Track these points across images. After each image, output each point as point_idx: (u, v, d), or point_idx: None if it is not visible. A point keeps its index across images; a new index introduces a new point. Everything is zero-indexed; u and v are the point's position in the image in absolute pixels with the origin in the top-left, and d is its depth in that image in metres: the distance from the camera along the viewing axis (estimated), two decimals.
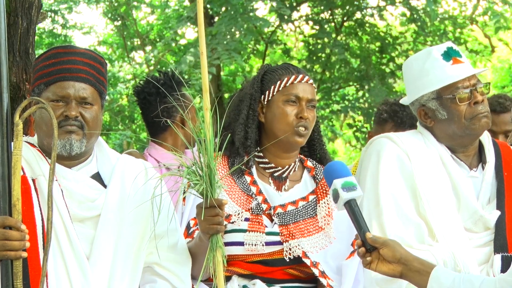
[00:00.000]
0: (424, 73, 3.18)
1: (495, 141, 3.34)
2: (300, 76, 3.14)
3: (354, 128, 12.88)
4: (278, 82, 3.13)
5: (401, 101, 3.47)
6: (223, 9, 9.62)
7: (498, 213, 3.13)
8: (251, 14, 9.70)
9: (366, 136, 4.75)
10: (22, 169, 2.61)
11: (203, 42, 2.76)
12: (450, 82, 3.13)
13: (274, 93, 3.13)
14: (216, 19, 10.01)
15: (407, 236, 3.03)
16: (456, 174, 3.16)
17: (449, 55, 3.17)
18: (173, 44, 12.47)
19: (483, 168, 3.24)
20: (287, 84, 3.12)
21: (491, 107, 4.36)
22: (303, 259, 3.01)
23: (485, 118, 3.14)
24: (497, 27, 10.92)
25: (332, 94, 12.94)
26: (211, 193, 2.69)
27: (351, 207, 2.72)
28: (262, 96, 3.16)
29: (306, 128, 3.11)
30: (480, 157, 3.27)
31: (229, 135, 3.04)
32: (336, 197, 2.74)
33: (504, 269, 2.98)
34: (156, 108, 3.99)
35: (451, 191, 3.14)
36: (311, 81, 3.18)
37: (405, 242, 2.92)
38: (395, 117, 4.48)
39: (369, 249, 2.72)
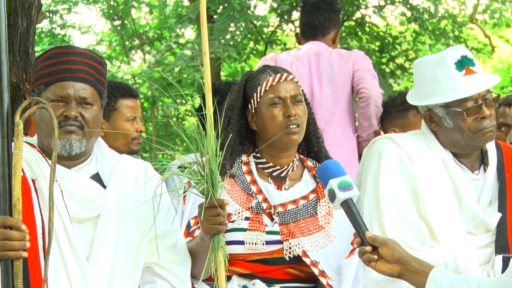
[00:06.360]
0: (435, 80, 3.14)
1: (498, 143, 3.33)
2: (278, 75, 3.12)
3: None
4: (259, 88, 3.12)
5: (407, 98, 3.44)
6: (221, 7, 9.58)
7: (499, 215, 3.13)
8: (249, 11, 9.68)
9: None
10: (22, 169, 2.60)
11: (206, 42, 2.75)
12: (460, 97, 3.10)
13: (258, 100, 3.12)
14: (215, 17, 9.98)
15: (407, 237, 3.02)
16: (458, 176, 3.16)
17: (462, 64, 3.12)
18: (174, 46, 12.43)
19: (485, 170, 3.23)
20: (267, 88, 3.11)
21: (511, 100, 4.34)
22: (303, 258, 3.00)
23: (490, 133, 3.13)
24: (494, 24, 10.91)
25: None
26: (212, 193, 2.68)
27: (349, 207, 2.71)
28: (250, 105, 3.15)
29: (298, 125, 3.10)
30: (482, 159, 3.27)
31: (230, 135, 3.04)
32: (332, 197, 2.72)
33: (505, 270, 2.97)
34: None
35: (453, 193, 3.14)
36: (291, 76, 3.14)
37: (406, 243, 2.92)
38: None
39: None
